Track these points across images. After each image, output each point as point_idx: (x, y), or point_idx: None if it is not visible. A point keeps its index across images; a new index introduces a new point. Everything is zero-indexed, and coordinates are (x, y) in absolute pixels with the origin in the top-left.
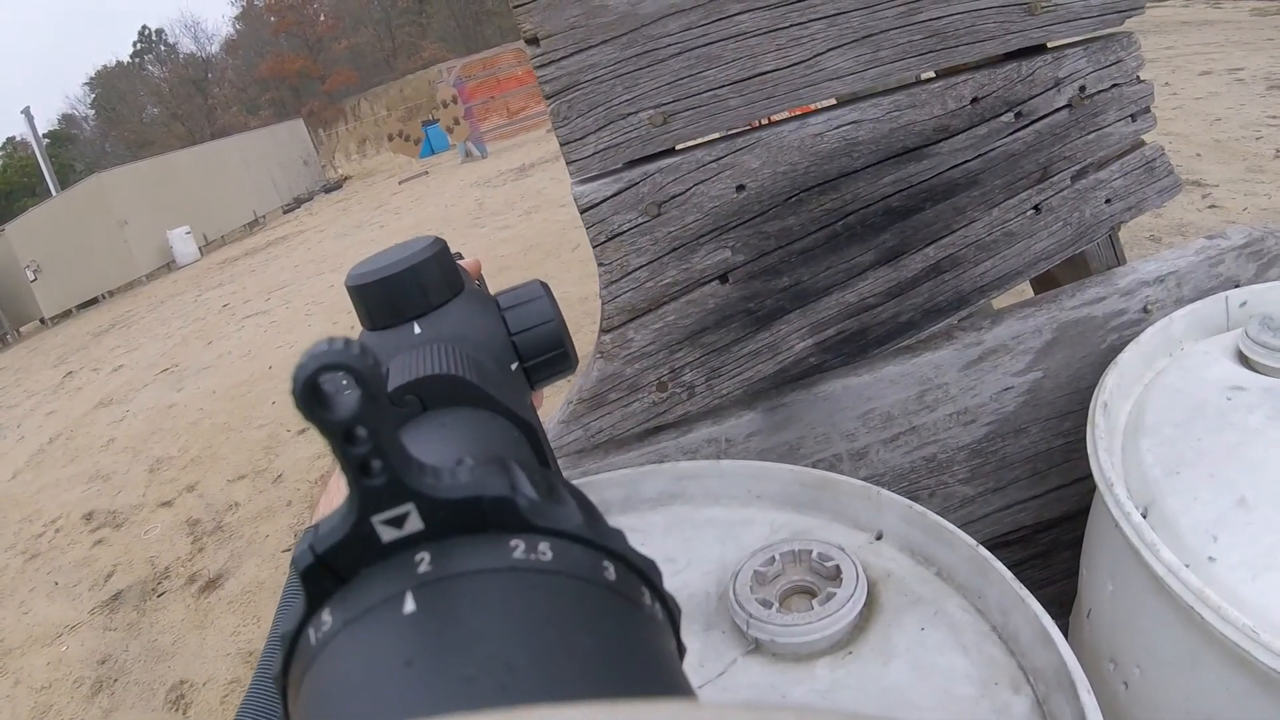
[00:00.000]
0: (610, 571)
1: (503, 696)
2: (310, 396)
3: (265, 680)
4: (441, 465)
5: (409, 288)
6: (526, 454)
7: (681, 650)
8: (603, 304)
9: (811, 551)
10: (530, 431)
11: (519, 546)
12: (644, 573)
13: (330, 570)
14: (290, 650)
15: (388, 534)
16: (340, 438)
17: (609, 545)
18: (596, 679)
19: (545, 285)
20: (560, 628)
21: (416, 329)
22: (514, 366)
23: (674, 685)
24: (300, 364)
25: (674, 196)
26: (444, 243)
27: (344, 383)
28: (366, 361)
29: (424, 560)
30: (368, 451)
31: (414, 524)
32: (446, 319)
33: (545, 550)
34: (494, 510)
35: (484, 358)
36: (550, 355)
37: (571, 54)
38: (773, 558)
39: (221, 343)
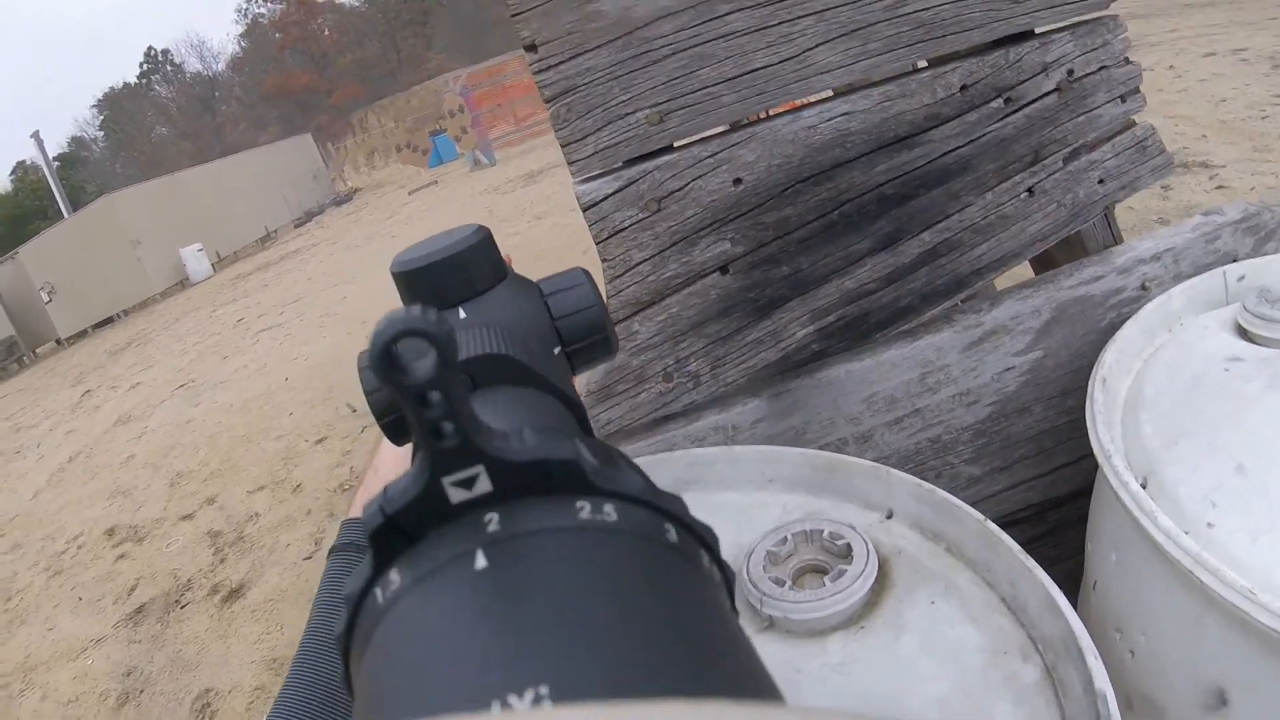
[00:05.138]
0: (671, 533)
1: (578, 641)
2: (387, 360)
3: (304, 666)
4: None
5: (455, 273)
6: (575, 429)
7: (735, 611)
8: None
9: (823, 531)
10: (577, 410)
11: (585, 507)
12: (702, 537)
13: (399, 531)
14: (355, 610)
15: (457, 495)
16: (415, 400)
17: (670, 509)
18: (663, 627)
19: (587, 272)
20: (627, 581)
21: (462, 314)
22: (556, 351)
23: (734, 638)
24: (379, 329)
25: (673, 192)
26: (488, 230)
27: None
28: (443, 328)
29: (493, 520)
30: (440, 414)
31: (483, 485)
32: (491, 304)
33: (610, 511)
34: (560, 473)
35: (529, 340)
36: (592, 340)
37: (569, 58)
38: (785, 538)
39: (237, 357)
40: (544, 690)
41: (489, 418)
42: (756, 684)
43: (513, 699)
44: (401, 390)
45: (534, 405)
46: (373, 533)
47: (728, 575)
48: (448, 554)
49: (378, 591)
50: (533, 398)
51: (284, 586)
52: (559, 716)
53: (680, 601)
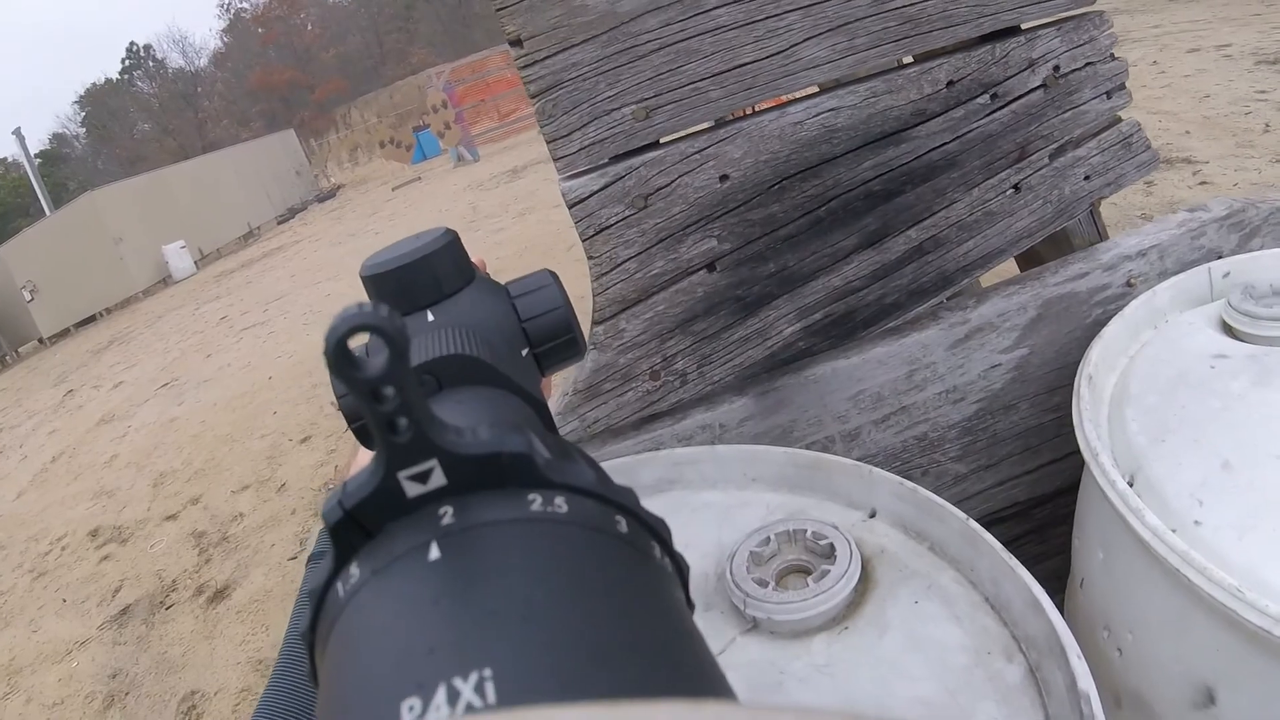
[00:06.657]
0: (622, 525)
1: (524, 627)
2: (341, 356)
3: (286, 670)
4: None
5: (423, 276)
6: (538, 427)
7: (690, 605)
8: (594, 296)
9: (806, 531)
10: (541, 409)
11: (536, 500)
12: (654, 529)
13: (358, 525)
14: (319, 605)
15: (413, 489)
16: (369, 395)
17: (621, 501)
18: (610, 614)
19: (554, 274)
20: (576, 570)
21: (430, 316)
22: (524, 353)
23: (681, 626)
24: (332, 325)
25: (659, 188)
26: (455, 234)
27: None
28: (394, 323)
29: (447, 513)
30: (394, 409)
31: (437, 479)
32: (459, 306)
33: (561, 503)
34: (513, 466)
35: (496, 342)
36: (559, 341)
37: (554, 53)
38: (768, 538)
39: (221, 355)
40: (487, 673)
41: (448, 415)
42: (703, 673)
43: (457, 681)
44: (356, 385)
45: (496, 403)
46: (333, 527)
47: (681, 566)
48: (403, 547)
49: (339, 586)
50: (496, 397)
51: (269, 587)
52: (559, 716)
53: (628, 590)
